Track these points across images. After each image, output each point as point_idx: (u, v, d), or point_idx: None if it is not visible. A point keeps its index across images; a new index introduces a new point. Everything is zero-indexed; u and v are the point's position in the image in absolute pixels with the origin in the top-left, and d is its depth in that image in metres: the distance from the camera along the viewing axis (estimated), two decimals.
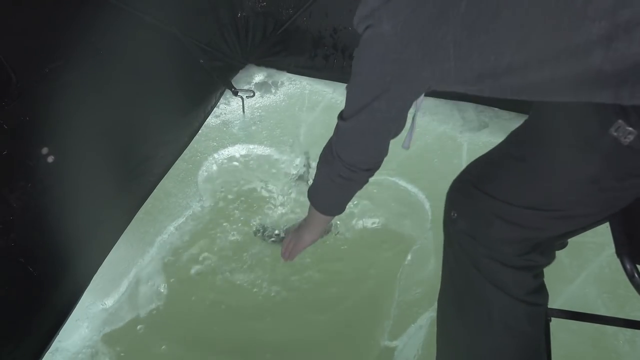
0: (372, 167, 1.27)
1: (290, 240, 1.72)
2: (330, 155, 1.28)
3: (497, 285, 1.24)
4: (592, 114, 0.97)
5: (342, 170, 1.26)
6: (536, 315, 1.27)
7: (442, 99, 2.52)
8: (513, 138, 1.26)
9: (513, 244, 1.23)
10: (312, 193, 1.46)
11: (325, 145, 1.33)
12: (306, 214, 1.61)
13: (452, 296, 1.36)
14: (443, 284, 1.42)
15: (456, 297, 1.34)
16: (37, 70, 1.53)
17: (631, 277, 1.26)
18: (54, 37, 1.58)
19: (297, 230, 1.70)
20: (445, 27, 0.90)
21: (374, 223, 2.47)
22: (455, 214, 1.32)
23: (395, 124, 1.16)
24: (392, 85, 1.03)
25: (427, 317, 2.20)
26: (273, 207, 2.54)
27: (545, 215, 1.16)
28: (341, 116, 1.19)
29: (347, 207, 1.46)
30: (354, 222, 2.48)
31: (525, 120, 1.24)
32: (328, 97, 2.72)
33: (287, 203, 2.55)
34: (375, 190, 2.58)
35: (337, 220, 2.45)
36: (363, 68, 1.06)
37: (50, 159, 1.58)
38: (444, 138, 2.62)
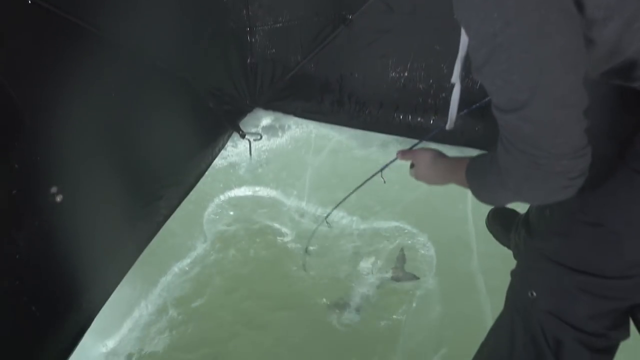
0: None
1: (420, 154, 1.41)
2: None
3: None
4: None
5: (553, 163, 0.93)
6: None
7: (446, 145, 2.54)
8: (574, 204, 1.14)
9: (601, 318, 1.18)
10: (486, 190, 1.15)
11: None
12: None
13: None
14: (494, 353, 1.38)
15: None
16: (50, 112, 1.56)
17: None
18: (68, 80, 1.62)
19: (432, 160, 1.37)
20: None
21: (378, 267, 2.46)
22: (535, 293, 1.25)
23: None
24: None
25: None
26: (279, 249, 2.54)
27: (636, 281, 1.12)
28: (515, 108, 0.89)
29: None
30: (358, 267, 2.47)
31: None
32: (334, 140, 2.75)
33: (294, 247, 2.55)
34: (380, 234, 2.58)
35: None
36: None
37: (58, 199, 1.59)
38: None
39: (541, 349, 1.22)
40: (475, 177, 1.16)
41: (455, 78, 1.16)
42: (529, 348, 1.25)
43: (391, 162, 1.66)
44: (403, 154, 1.47)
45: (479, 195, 1.16)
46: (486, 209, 2.08)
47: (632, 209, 1.08)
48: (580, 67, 0.86)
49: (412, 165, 1.46)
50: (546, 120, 0.89)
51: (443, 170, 1.35)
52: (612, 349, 1.23)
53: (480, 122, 2.31)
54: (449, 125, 1.26)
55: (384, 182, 1.72)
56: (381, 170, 1.73)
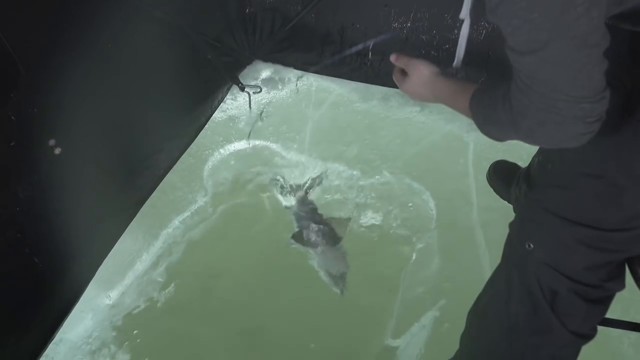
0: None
1: (418, 64, 1.27)
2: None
3: (563, 320, 1.21)
4: None
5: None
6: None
7: None
8: (577, 156, 1.14)
9: (597, 269, 1.18)
10: (493, 126, 1.06)
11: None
12: None
13: (503, 320, 1.32)
14: (491, 304, 1.40)
15: (508, 322, 1.31)
16: (46, 63, 1.53)
17: (638, 281, 1.25)
18: (63, 30, 1.58)
19: (431, 76, 1.24)
20: None
21: (378, 221, 2.47)
22: (532, 245, 1.24)
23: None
24: None
25: (431, 317, 2.20)
26: (278, 201, 2.55)
27: (634, 234, 1.12)
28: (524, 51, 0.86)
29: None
30: (358, 219, 2.48)
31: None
32: (335, 94, 2.71)
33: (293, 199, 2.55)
34: (380, 188, 2.58)
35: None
36: None
37: (57, 151, 1.58)
38: (450, 137, 2.62)
39: (537, 300, 1.24)
40: (482, 109, 1.08)
41: (465, 14, 1.11)
42: (525, 299, 1.27)
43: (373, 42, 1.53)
44: (399, 57, 1.31)
45: (484, 129, 1.09)
46: (487, 163, 2.07)
47: (634, 160, 1.07)
48: (602, 3, 0.81)
49: (395, 72, 1.32)
50: (567, 60, 0.85)
51: (441, 91, 1.24)
52: (607, 300, 1.25)
53: (484, 73, 2.27)
54: (456, 63, 1.21)
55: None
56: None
